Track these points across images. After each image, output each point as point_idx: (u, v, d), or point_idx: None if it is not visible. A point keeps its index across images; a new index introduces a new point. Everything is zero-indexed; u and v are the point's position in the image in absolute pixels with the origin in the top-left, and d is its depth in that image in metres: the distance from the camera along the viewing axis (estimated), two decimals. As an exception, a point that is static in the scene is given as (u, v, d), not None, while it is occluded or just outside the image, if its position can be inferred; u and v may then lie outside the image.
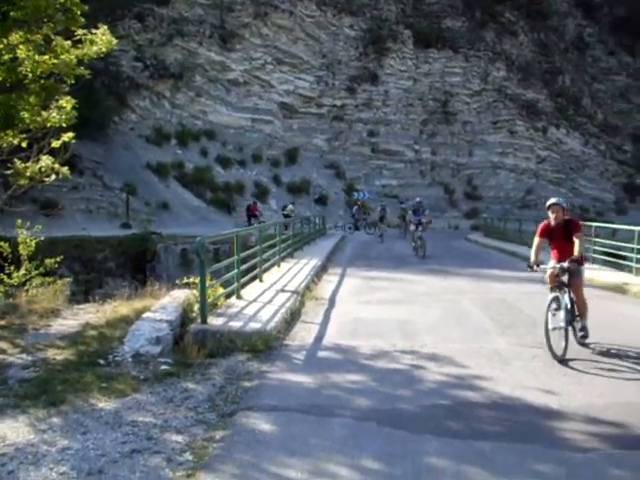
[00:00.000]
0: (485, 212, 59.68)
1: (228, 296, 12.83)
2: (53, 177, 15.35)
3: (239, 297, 13.00)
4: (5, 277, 14.35)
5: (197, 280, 11.29)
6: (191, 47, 56.37)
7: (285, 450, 5.74)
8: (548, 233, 9.84)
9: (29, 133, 14.94)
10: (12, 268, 14.52)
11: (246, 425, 6.34)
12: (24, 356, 9.13)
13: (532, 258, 9.73)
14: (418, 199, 27.88)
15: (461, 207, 64.46)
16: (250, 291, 13.97)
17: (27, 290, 14.12)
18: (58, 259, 15.20)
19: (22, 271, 14.60)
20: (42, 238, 15.31)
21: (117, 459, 5.56)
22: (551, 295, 9.33)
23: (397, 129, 66.38)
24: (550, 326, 9.08)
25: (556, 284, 9.38)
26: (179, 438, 6.07)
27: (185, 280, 13.06)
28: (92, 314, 12.37)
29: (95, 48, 14.89)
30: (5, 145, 14.85)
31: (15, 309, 12.33)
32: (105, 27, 15.16)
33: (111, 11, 47.69)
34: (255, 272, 15.56)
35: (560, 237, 9.67)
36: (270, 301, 12.78)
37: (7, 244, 14.59)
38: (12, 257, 14.59)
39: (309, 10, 64.64)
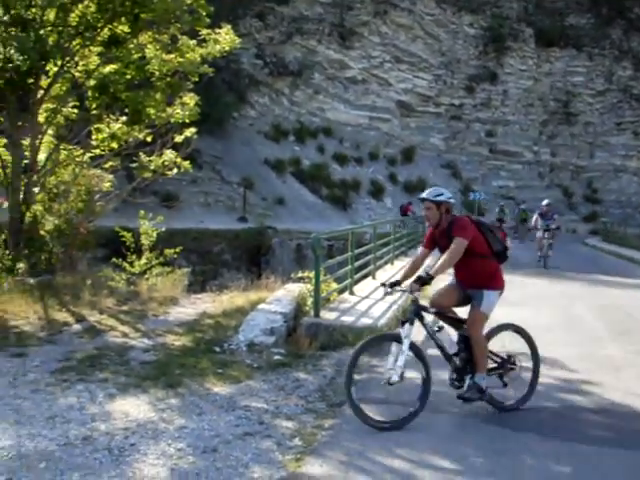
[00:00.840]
0: (605, 216, 58.07)
1: (341, 292, 13.08)
2: (175, 171, 16.03)
3: (352, 293, 13.23)
4: (128, 265, 15.03)
5: (312, 274, 11.60)
6: (310, 45, 56.95)
7: (391, 441, 5.92)
8: (433, 242, 7.18)
9: (154, 128, 15.61)
10: (134, 257, 15.18)
11: (354, 416, 6.53)
12: (145, 340, 9.63)
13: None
14: (546, 201, 23.86)
15: (580, 210, 62.82)
16: (363, 288, 14.17)
17: (147, 278, 14.76)
18: (177, 250, 15.81)
19: (143, 260, 15.25)
20: (163, 229, 15.95)
21: (230, 440, 5.86)
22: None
23: (516, 129, 65.25)
24: None
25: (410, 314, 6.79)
26: (289, 424, 6.33)
27: (299, 274, 13.39)
28: (209, 304, 12.85)
29: (219, 47, 15.45)
30: (131, 139, 15.57)
31: (137, 296, 12.94)
32: (229, 27, 15.69)
33: (232, 10, 48.65)
34: (368, 269, 15.76)
35: (445, 247, 6.80)
36: (382, 298, 12.94)
37: (130, 234, 15.28)
38: (134, 247, 15.26)
39: (429, 8, 64.19)
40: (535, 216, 23.98)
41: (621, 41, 72.57)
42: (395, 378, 6.37)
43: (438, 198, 6.88)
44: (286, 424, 6.33)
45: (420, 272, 6.88)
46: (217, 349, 9.07)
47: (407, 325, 6.56)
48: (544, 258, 22.33)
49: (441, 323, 7.03)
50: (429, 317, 7.01)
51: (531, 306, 13.68)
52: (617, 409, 7.10)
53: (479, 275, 6.84)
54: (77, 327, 10.19)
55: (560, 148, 66.39)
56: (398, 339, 6.55)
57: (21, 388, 7.02)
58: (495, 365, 7.02)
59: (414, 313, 6.72)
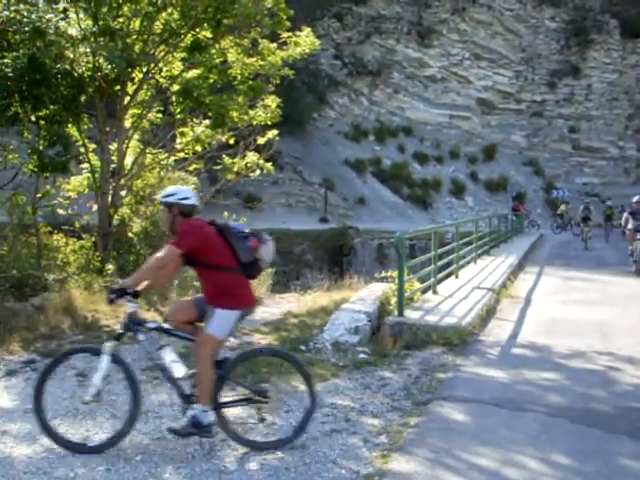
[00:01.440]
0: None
1: (424, 291, 13.08)
2: (258, 172, 16.24)
3: (435, 292, 13.21)
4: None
5: (395, 274, 11.64)
6: (389, 44, 57.00)
7: (477, 440, 5.93)
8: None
9: (236, 131, 15.86)
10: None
11: (440, 414, 6.56)
12: (231, 339, 9.79)
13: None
14: (637, 197, 19.91)
15: (669, 207, 61.07)
16: (446, 287, 14.14)
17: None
18: (262, 250, 15.97)
19: (227, 260, 15.46)
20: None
21: (318, 437, 5.96)
22: None
23: (600, 125, 63.97)
24: None
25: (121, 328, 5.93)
26: (375, 422, 6.39)
27: (382, 274, 13.43)
28: (293, 303, 13.02)
29: (299, 49, 15.61)
30: (214, 142, 15.87)
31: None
32: (309, 29, 15.85)
33: (310, 11, 49.08)
34: (451, 268, 15.71)
35: None
36: (465, 297, 12.90)
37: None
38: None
39: (508, 3, 63.50)
40: (625, 214, 20.45)
41: None
42: (87, 398, 5.61)
43: (167, 199, 5.76)
44: (372, 421, 6.40)
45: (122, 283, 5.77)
46: (303, 348, 9.20)
47: (111, 341, 5.69)
48: (636, 263, 18.81)
49: (165, 341, 5.95)
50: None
51: (618, 305, 13.40)
52: None
53: (211, 290, 5.74)
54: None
55: (647, 143, 64.80)
56: (97, 352, 5.73)
57: (114, 385, 7.24)
58: (238, 398, 6.01)
59: (124, 327, 5.75)
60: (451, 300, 12.52)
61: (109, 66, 12.97)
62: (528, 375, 8.05)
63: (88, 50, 12.95)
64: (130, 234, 14.93)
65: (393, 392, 7.34)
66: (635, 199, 20.28)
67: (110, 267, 13.85)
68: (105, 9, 13.46)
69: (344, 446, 5.76)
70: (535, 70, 63.59)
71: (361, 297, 11.77)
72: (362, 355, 8.93)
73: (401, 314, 10.46)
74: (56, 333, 9.72)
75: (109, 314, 10.81)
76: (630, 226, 19.56)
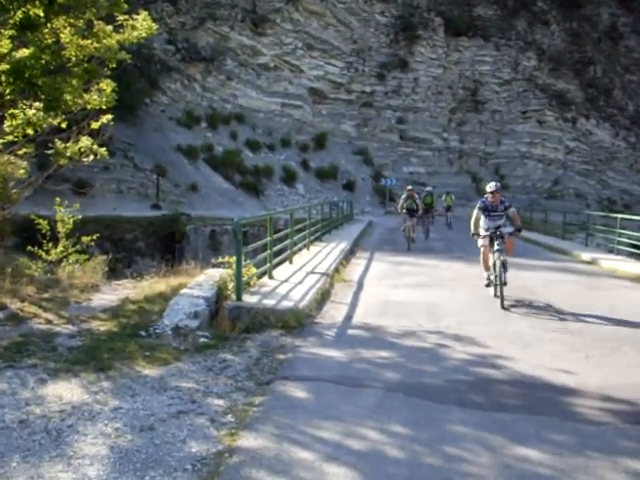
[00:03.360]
0: (512, 202, 59.74)
1: (260, 276, 13.30)
2: (91, 157, 15.89)
3: (271, 277, 13.47)
4: (43, 253, 14.89)
5: (232, 259, 11.81)
6: (223, 31, 56.79)
7: (319, 415, 6.22)
8: None
9: (69, 114, 15.46)
10: (50, 245, 15.04)
11: (283, 393, 6.80)
12: (69, 326, 9.67)
13: None
14: (494, 184, 13.56)
15: (488, 196, 64.37)
16: (281, 272, 14.43)
17: (64, 266, 14.67)
18: (95, 237, 15.72)
19: (60, 248, 15.12)
20: (80, 216, 15.85)
21: (165, 419, 6.06)
22: None
23: (426, 117, 66.53)
24: None
25: None
26: (221, 402, 6.56)
27: (219, 259, 13.54)
28: (130, 290, 12.91)
29: (136, 33, 15.39)
30: (45, 126, 15.40)
31: (57, 283, 12.88)
32: (145, 13, 15.66)
33: (145, -6, 48.19)
34: (286, 254, 16.02)
35: None
36: (301, 282, 13.23)
37: (45, 222, 15.13)
38: (50, 235, 15.12)
39: (341, -5, 64.83)
40: (475, 212, 13.61)
41: (526, 32, 74.94)
42: None
43: None
44: (217, 402, 6.56)
45: None
46: (143, 333, 9.20)
47: None
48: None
49: None
50: None
51: (445, 288, 14.21)
52: (528, 380, 7.51)
53: None
54: (-2, 315, 10.16)
55: (468, 135, 68.15)
56: None
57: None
58: None
59: None
60: (287, 285, 12.81)
61: None
62: (364, 354, 8.45)
63: None
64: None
65: (236, 373, 7.51)
66: (491, 187, 13.64)
67: None
68: None
69: (192, 426, 5.90)
70: (365, 62, 65.18)
71: (199, 282, 11.85)
72: (203, 339, 9.04)
73: (239, 298, 10.65)
74: None
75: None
76: (483, 231, 13.33)
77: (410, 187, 24.81)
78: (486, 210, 13.32)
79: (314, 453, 5.39)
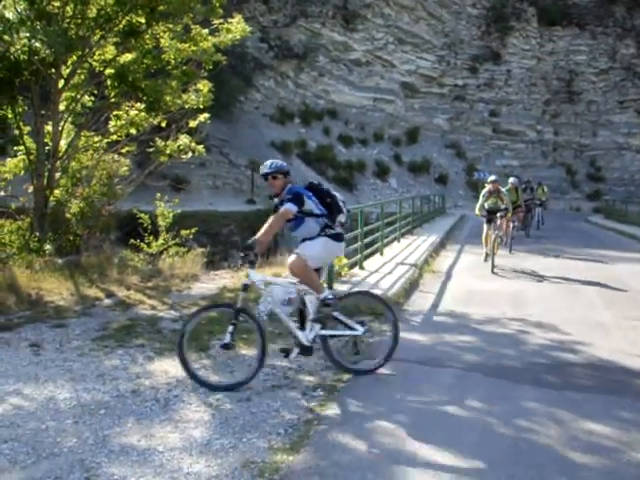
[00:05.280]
0: (608, 194, 58.66)
1: (352, 267, 13.85)
2: (190, 154, 16.71)
3: (362, 268, 14.01)
4: (145, 246, 15.74)
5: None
6: (314, 28, 57.45)
7: (402, 390, 6.73)
8: None
9: (169, 114, 16.31)
10: (151, 238, 15.86)
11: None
12: (172, 312, 10.41)
13: None
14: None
15: (583, 189, 63.44)
16: (372, 263, 14.95)
17: (165, 258, 15.48)
18: (193, 230, 16.46)
19: (160, 241, 15.94)
20: (179, 211, 16.64)
21: (261, 392, 6.66)
22: None
23: (519, 109, 65.78)
24: None
25: None
26: (311, 378, 7.13)
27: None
28: (227, 279, 13.60)
29: (230, 36, 16.13)
30: (146, 125, 16.29)
31: (159, 273, 13.70)
32: (240, 16, 16.38)
33: (238, -6, 49.22)
34: (376, 246, 16.52)
35: None
36: (390, 272, 13.73)
37: (147, 216, 15.98)
38: (151, 228, 15.94)
39: (431, -11, 64.67)
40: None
41: (624, 19, 72.52)
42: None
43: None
44: (309, 378, 7.14)
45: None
46: (241, 318, 9.82)
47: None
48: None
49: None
50: None
51: (534, 279, 14.46)
52: (604, 364, 7.85)
53: None
54: (108, 302, 10.96)
55: (563, 127, 66.97)
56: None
57: (68, 353, 7.81)
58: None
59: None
60: (377, 275, 13.33)
61: (47, 50, 13.30)
62: (447, 338, 8.91)
63: (27, 34, 13.22)
64: (67, 215, 15.28)
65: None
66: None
67: (48, 247, 14.22)
68: (41, -7, 13.74)
69: (285, 398, 6.48)
70: (457, 55, 64.87)
71: (292, 272, 12.43)
72: (295, 323, 9.61)
73: (330, 287, 11.18)
74: (2, 309, 10.14)
75: (52, 291, 11.27)
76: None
77: (493, 177, 17.87)
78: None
79: (394, 422, 5.89)
